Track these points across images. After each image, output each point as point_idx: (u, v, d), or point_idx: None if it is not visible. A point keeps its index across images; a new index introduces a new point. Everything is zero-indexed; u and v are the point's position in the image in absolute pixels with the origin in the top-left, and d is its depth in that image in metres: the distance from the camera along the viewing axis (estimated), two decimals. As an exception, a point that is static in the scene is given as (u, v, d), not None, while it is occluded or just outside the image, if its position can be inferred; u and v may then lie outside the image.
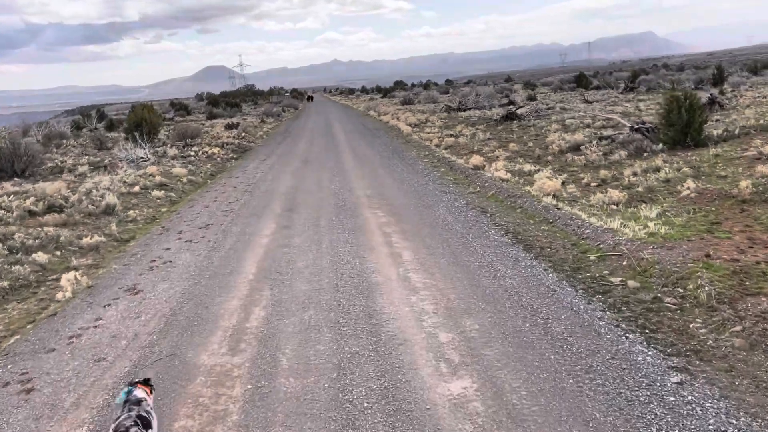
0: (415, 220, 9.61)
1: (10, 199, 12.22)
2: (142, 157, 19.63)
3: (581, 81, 61.47)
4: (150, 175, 15.61)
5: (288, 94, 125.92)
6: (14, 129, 31.83)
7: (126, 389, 3.86)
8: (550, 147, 15.70)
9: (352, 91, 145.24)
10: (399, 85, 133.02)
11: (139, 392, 3.81)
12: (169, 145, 24.36)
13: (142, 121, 26.05)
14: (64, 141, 31.67)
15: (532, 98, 39.64)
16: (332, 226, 9.60)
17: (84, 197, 12.03)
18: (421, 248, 7.97)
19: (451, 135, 21.25)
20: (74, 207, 11.50)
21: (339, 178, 14.38)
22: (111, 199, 11.44)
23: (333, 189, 12.96)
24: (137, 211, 11.56)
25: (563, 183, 10.97)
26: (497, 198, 10.97)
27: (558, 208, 9.34)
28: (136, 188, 13.71)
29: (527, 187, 11.08)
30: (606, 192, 9.70)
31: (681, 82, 37.20)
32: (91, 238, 9.33)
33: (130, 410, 3.63)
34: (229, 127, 34.61)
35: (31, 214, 11.14)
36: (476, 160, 13.70)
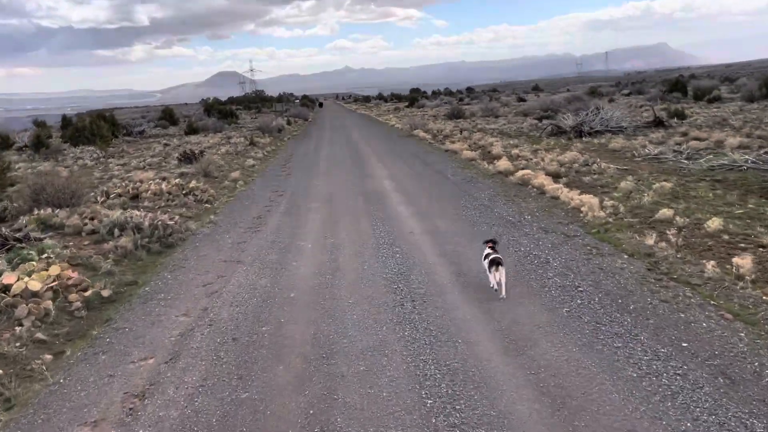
0: None
1: None
2: None
3: (680, 87, 46.17)
4: None
5: (297, 101, 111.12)
6: None
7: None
8: None
9: (367, 99, 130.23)
10: (417, 92, 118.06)
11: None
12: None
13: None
14: None
15: (679, 115, 24.74)
16: None
17: None
18: None
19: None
20: None
21: None
22: None
23: None
24: None
25: None
26: None
27: None
28: None
29: None
30: None
31: None
32: None
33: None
34: (185, 158, 20.00)
35: None
36: None
